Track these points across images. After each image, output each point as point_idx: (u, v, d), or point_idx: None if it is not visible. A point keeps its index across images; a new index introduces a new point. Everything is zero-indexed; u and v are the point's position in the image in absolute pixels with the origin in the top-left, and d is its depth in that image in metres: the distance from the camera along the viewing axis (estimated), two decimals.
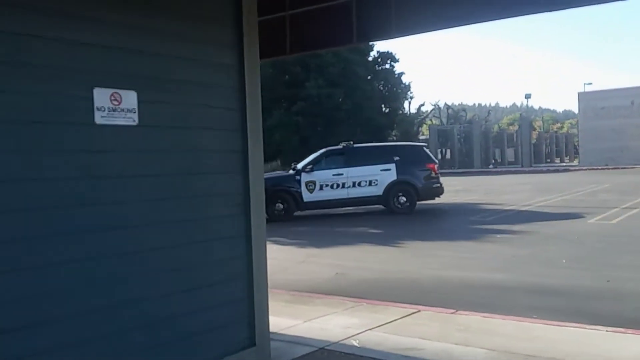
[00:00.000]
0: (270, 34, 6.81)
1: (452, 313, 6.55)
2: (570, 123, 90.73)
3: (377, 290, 8.49)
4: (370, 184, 16.78)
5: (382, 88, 59.47)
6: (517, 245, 11.56)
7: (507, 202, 20.04)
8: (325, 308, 6.94)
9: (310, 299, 7.54)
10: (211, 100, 4.36)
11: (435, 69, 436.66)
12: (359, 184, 16.80)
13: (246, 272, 4.54)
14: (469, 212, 17.46)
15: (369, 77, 56.89)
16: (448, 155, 56.75)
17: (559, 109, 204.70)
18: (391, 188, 16.84)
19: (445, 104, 67.33)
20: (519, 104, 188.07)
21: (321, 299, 7.48)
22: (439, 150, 55.82)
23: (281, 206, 16.99)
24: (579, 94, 49.05)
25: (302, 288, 8.55)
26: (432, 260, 10.59)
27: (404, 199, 16.99)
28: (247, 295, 4.57)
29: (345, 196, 17.01)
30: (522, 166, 48.96)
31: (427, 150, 17.88)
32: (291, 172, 17.41)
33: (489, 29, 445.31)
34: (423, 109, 63.35)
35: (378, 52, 59.92)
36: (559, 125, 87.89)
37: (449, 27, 5.67)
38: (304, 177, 16.92)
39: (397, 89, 60.04)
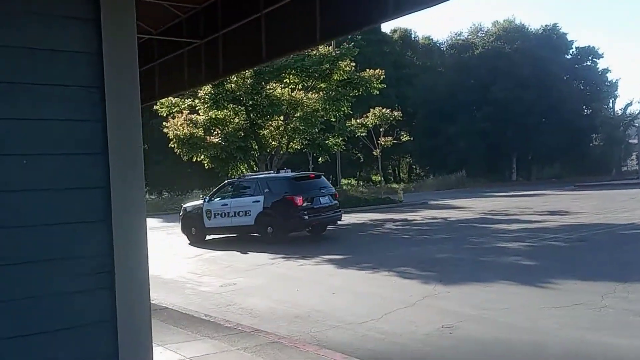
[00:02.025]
0: (245, 42, 5.31)
1: None
2: None
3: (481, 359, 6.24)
4: (245, 214, 17.79)
5: (581, 87, 53.36)
6: None
7: None
8: None
9: None
10: (41, 107, 2.73)
11: None
12: (238, 214, 17.92)
13: None
14: None
15: (565, 77, 51.31)
16: None
17: None
18: (260, 218, 17.58)
19: None
20: None
21: None
22: None
23: (194, 230, 18.85)
24: None
25: (381, 349, 6.64)
26: (584, 313, 7.87)
27: (271, 229, 17.44)
28: None
29: (230, 224, 18.24)
30: None
31: (300, 182, 18.13)
32: (204, 200, 19.35)
33: None
34: (630, 109, 55.58)
35: (577, 48, 53.95)
36: None
37: None
38: (205, 206, 18.66)
39: (600, 88, 53.42)
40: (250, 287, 11.07)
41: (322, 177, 19.30)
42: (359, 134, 30.48)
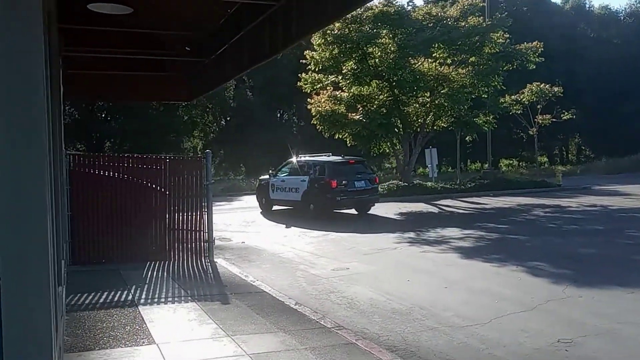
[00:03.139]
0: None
1: None
2: None
3: None
4: (295, 191, 20.04)
5: None
6: None
7: None
8: None
9: None
10: None
11: None
12: (291, 190, 20.26)
13: None
14: None
15: None
16: None
17: None
18: (305, 196, 19.71)
19: None
20: None
21: None
22: None
23: (264, 200, 21.66)
24: None
25: None
26: None
27: (312, 206, 19.48)
28: None
29: (285, 198, 20.64)
30: None
31: (336, 167, 19.91)
32: (270, 175, 21.78)
33: None
34: None
35: None
36: None
37: None
38: (271, 180, 21.23)
39: None
40: (361, 274, 10.38)
41: (363, 163, 21.35)
42: (513, 111, 28.16)
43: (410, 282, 9.60)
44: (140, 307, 7.65)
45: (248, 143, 42.83)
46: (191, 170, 12.21)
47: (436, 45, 24.31)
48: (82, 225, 11.26)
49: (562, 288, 8.63)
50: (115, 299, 8.24)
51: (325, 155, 21.39)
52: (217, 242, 14.76)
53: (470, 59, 25.13)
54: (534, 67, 25.74)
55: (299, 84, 26.07)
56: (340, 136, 25.94)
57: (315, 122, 25.79)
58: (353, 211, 20.34)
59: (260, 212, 21.32)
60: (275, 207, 21.29)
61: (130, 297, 8.28)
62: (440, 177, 31.46)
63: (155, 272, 10.36)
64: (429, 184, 26.48)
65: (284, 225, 18.03)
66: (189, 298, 8.26)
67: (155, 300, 8.21)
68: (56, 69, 8.40)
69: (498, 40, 24.50)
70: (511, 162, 52.94)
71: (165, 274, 10.25)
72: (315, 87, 25.62)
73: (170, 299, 8.24)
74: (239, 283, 9.48)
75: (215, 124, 52.45)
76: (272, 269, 11.30)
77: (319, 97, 25.45)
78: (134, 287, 8.93)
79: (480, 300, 8.21)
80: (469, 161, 50.00)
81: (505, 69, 25.42)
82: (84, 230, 11.29)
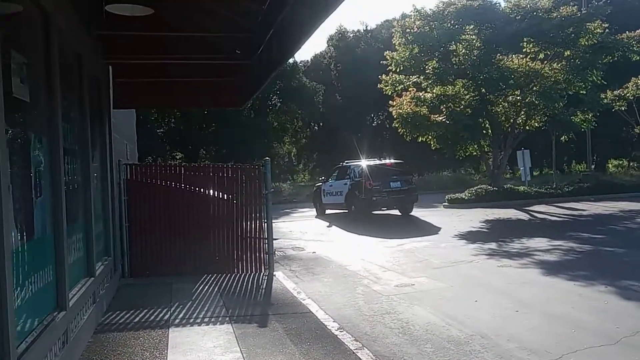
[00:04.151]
0: None
1: None
2: None
3: None
4: (340, 194, 21.77)
5: None
6: None
7: None
8: None
9: None
10: None
11: None
12: (336, 193, 22.03)
13: None
14: None
15: None
16: None
17: None
18: (347, 198, 21.35)
19: None
20: None
21: None
22: None
23: (318, 204, 23.53)
24: None
25: None
26: None
27: (354, 207, 21.13)
28: None
29: (332, 202, 22.46)
30: None
31: (372, 169, 21.03)
32: (321, 181, 24.03)
33: None
34: None
35: None
36: None
37: None
38: (322, 186, 23.22)
39: None
40: (425, 291, 9.43)
41: (402, 164, 22.45)
42: (616, 107, 25.77)
43: (477, 303, 8.53)
44: (171, 329, 7.14)
45: (340, 147, 42.34)
46: (250, 179, 11.71)
47: (525, 39, 22.62)
48: (139, 236, 11.04)
49: None
50: (151, 318, 7.81)
51: (373, 160, 22.42)
52: (289, 252, 14.39)
53: (565, 53, 23.20)
54: (639, 58, 23.38)
55: (379, 85, 25.16)
56: (424, 139, 24.77)
57: (396, 125, 24.79)
58: (428, 219, 19.71)
59: (316, 216, 23.02)
60: (327, 211, 23.01)
61: (166, 317, 7.80)
62: (535, 181, 29.46)
63: (205, 287, 9.91)
64: (521, 188, 24.75)
65: (357, 234, 17.26)
66: (227, 319, 7.67)
67: (191, 320, 7.67)
68: (98, 76, 8.12)
69: (595, 31, 22.44)
70: (621, 162, 49.15)
71: (215, 288, 9.76)
72: (396, 89, 24.61)
73: (206, 320, 7.67)
74: (287, 302, 8.79)
75: (308, 129, 52.30)
76: (334, 283, 10.56)
77: (400, 99, 24.43)
78: (176, 304, 8.49)
79: (554, 329, 7.05)
80: (573, 162, 46.83)
81: (604, 61, 23.28)
82: (142, 242, 11.06)
